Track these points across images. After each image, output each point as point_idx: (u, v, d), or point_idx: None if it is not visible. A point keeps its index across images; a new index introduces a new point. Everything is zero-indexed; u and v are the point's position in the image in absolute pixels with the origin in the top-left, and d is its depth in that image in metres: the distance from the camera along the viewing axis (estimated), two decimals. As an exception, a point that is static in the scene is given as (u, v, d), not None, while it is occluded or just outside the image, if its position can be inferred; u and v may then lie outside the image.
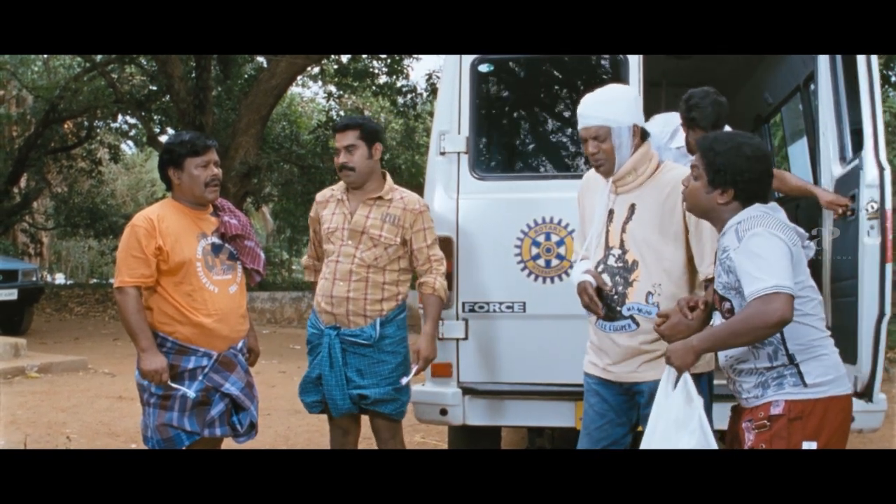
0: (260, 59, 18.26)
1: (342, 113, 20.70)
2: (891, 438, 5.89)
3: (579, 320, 3.32)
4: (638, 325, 3.03)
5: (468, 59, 4.07)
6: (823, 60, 4.06)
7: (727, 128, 3.74)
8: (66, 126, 20.19)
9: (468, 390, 3.99)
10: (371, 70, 18.10)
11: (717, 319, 2.79)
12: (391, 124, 20.71)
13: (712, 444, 2.61)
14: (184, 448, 3.41)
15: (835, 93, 4.02)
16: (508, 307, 3.99)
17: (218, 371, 3.44)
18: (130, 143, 24.73)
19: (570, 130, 4.39)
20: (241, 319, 3.57)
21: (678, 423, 2.66)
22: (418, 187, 4.26)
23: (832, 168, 4.03)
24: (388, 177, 3.84)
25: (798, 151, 5.77)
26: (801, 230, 2.69)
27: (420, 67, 70.57)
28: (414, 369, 3.72)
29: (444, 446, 5.07)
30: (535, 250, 3.96)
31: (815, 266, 2.91)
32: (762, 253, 2.52)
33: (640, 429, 3.12)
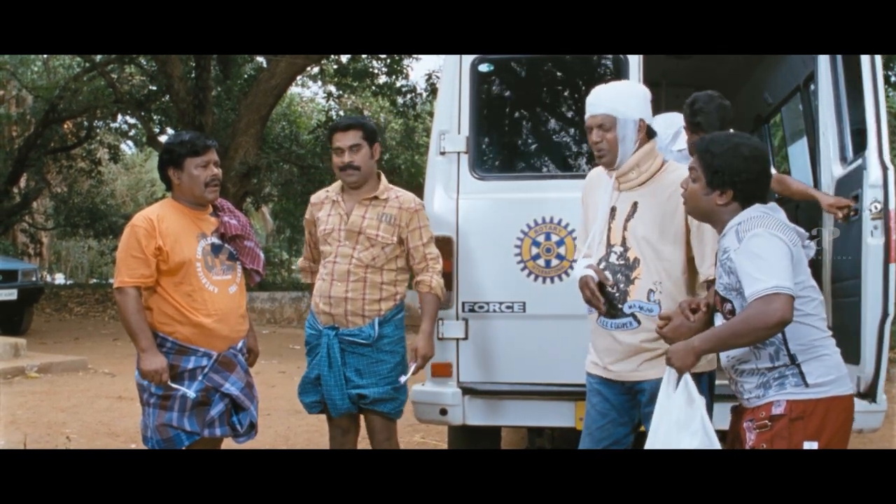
0: (260, 59, 18.26)
1: (342, 113, 20.69)
2: (891, 438, 5.89)
3: (579, 320, 3.32)
4: (639, 322, 3.03)
5: (468, 59, 4.07)
6: (823, 60, 4.06)
7: (727, 128, 3.74)
8: (65, 126, 20.20)
9: (468, 390, 3.99)
10: (371, 70, 18.10)
11: (718, 321, 2.79)
12: (391, 124, 20.71)
13: (715, 445, 2.61)
14: (184, 448, 3.41)
15: (835, 93, 4.02)
16: (508, 307, 3.99)
17: (218, 371, 3.44)
18: (130, 143, 24.77)
19: (570, 130, 4.39)
20: (241, 319, 3.57)
21: (680, 424, 2.65)
22: (418, 187, 4.26)
23: (832, 168, 4.03)
24: (383, 177, 3.85)
25: (798, 151, 5.77)
26: (802, 230, 2.69)
27: (420, 67, 70.61)
28: (412, 367, 3.72)
29: (444, 446, 5.07)
30: (534, 250, 3.96)
31: (815, 266, 2.91)
32: (762, 253, 2.52)
33: (642, 429, 3.12)
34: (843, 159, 3.98)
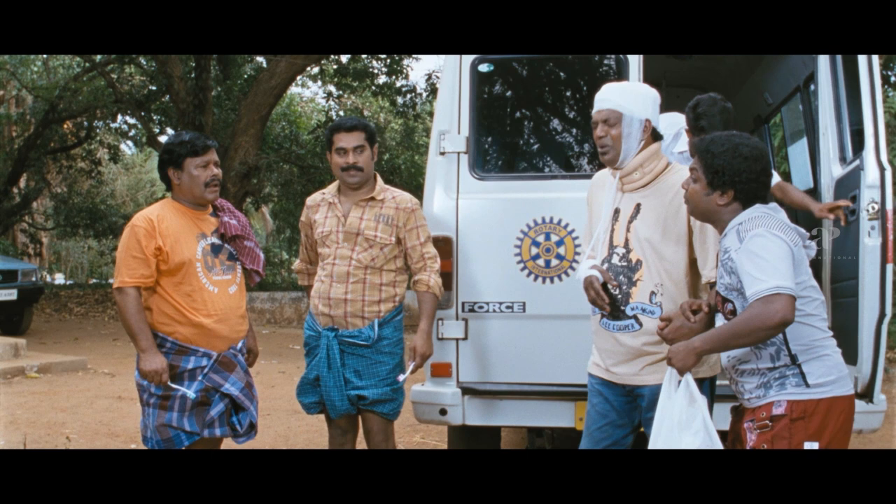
0: (259, 59, 18.26)
1: (342, 113, 20.68)
2: (891, 438, 5.89)
3: (579, 320, 3.32)
4: (641, 325, 3.02)
5: (468, 59, 4.07)
6: (823, 61, 4.06)
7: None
8: (65, 126, 20.22)
9: (468, 390, 3.99)
10: (371, 70, 18.10)
11: (719, 321, 2.79)
12: (391, 124, 20.71)
13: (717, 445, 2.61)
14: (183, 448, 3.41)
15: (835, 93, 4.02)
16: (508, 307, 3.99)
17: (217, 371, 3.44)
18: (130, 143, 24.77)
19: (570, 130, 4.39)
20: (241, 320, 3.57)
21: (681, 424, 2.65)
22: (418, 187, 4.26)
23: (832, 169, 4.03)
24: (379, 177, 3.85)
25: (798, 152, 5.77)
26: (803, 230, 2.69)
27: (420, 67, 70.65)
28: (411, 366, 3.73)
29: (444, 446, 5.07)
30: (534, 250, 3.96)
31: (815, 266, 2.91)
32: (763, 253, 2.52)
33: (641, 430, 3.12)
34: (843, 159, 3.98)
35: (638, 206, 3.07)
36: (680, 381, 2.71)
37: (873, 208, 3.54)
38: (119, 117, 20.04)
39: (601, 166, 3.48)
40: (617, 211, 3.12)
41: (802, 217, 4.63)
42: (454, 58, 4.07)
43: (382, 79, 18.25)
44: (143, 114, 18.10)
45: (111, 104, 17.39)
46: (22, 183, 21.86)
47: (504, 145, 4.42)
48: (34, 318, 13.34)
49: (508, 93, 4.40)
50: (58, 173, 22.11)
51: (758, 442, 2.61)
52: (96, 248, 27.83)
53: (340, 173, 3.75)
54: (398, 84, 18.17)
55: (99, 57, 16.81)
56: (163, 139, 17.06)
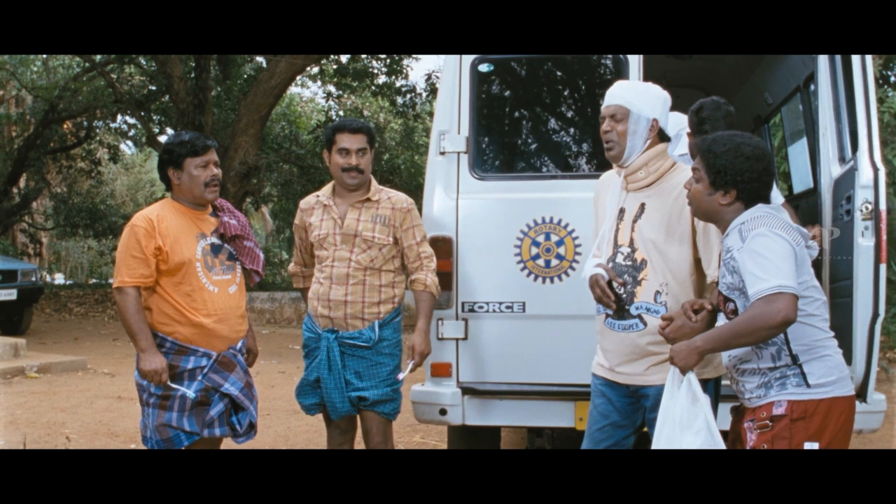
0: (259, 59, 18.26)
1: (342, 113, 20.68)
2: (891, 438, 5.89)
3: (579, 320, 3.32)
4: (646, 324, 3.02)
5: (468, 59, 4.07)
6: (823, 61, 4.06)
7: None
8: (65, 126, 20.22)
9: (467, 390, 3.99)
10: (370, 70, 18.10)
11: (721, 320, 2.78)
12: (391, 124, 20.70)
13: (719, 444, 2.60)
14: (183, 448, 3.41)
15: (834, 93, 4.02)
16: (508, 307, 3.99)
17: (217, 371, 3.44)
18: (130, 143, 24.77)
19: (570, 130, 4.39)
20: (241, 320, 3.57)
21: (682, 423, 2.65)
22: (418, 187, 4.27)
23: (832, 169, 4.03)
24: (373, 178, 3.85)
25: (798, 152, 5.77)
26: (804, 230, 2.69)
27: (419, 67, 70.66)
28: (410, 365, 3.73)
29: (444, 446, 5.07)
30: (534, 250, 3.96)
31: (815, 266, 2.91)
32: (766, 253, 2.52)
33: (644, 430, 3.12)
34: (843, 159, 3.98)
35: (642, 206, 3.07)
36: (682, 381, 2.70)
37: (867, 208, 3.55)
38: (119, 117, 20.06)
39: (601, 166, 3.49)
40: (622, 210, 3.11)
41: (802, 217, 4.64)
42: (454, 58, 4.07)
43: (382, 79, 18.26)
44: (142, 114, 18.10)
45: (111, 104, 17.39)
46: (22, 183, 21.86)
47: (504, 145, 4.42)
48: (34, 318, 13.34)
49: (508, 93, 4.40)
50: (57, 173, 22.11)
51: (758, 442, 2.60)
52: (96, 248, 27.84)
53: (340, 174, 3.73)
54: (398, 84, 18.17)
55: (99, 57, 16.81)
56: (163, 139, 17.04)
